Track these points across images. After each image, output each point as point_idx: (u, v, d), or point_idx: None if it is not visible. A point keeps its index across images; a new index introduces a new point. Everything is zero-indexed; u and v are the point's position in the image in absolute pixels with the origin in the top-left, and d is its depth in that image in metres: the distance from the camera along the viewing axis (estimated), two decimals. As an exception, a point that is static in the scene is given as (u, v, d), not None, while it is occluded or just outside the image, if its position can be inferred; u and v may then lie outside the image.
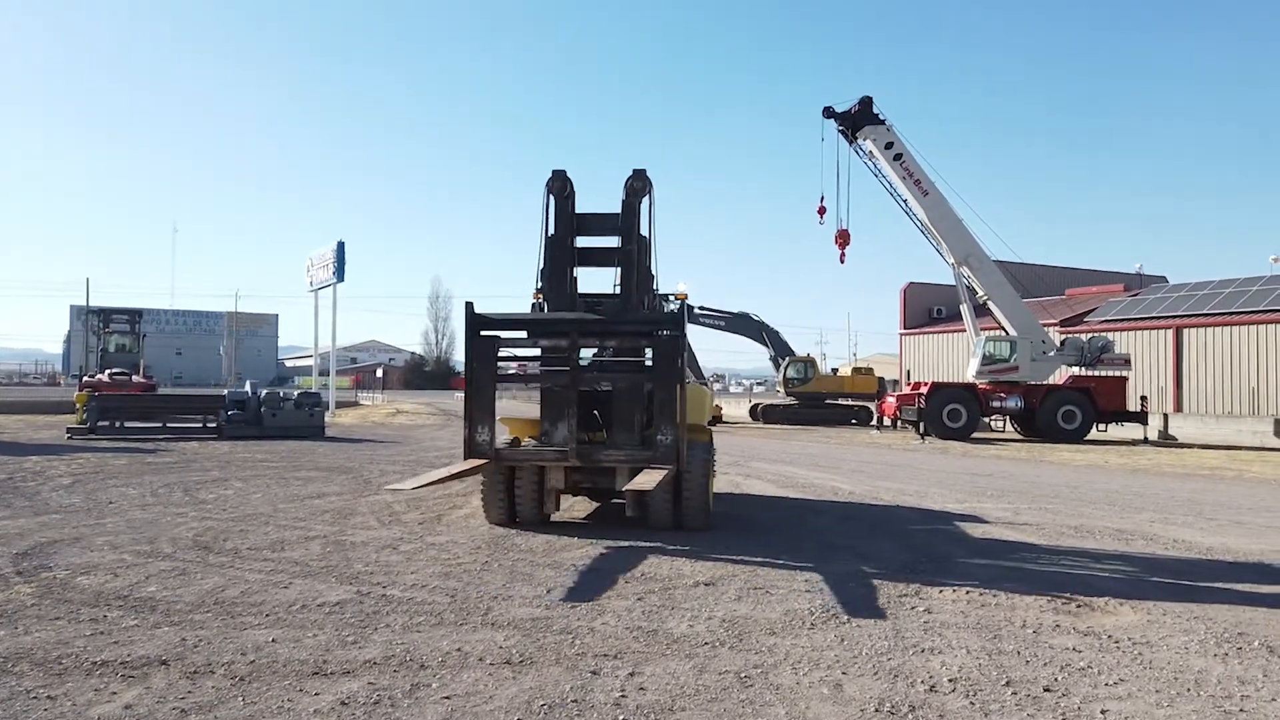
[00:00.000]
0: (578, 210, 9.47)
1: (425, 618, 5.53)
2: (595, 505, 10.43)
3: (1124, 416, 27.95)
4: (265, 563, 7.13)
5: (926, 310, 47.50)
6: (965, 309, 29.50)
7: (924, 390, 28.04)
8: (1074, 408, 27.49)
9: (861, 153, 28.52)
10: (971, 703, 4.32)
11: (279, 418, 22.74)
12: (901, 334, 47.61)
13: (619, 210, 9.36)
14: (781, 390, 38.83)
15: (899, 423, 30.64)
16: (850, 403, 36.91)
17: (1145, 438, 27.48)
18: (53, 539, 7.99)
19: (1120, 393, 28.30)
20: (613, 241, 9.50)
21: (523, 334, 9.24)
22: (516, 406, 10.99)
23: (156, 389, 35.42)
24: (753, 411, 38.74)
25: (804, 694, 4.38)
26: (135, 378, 34.16)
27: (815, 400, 36.95)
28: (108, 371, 34.34)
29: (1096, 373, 28.78)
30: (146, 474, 13.54)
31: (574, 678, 4.48)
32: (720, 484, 13.54)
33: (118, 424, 22.10)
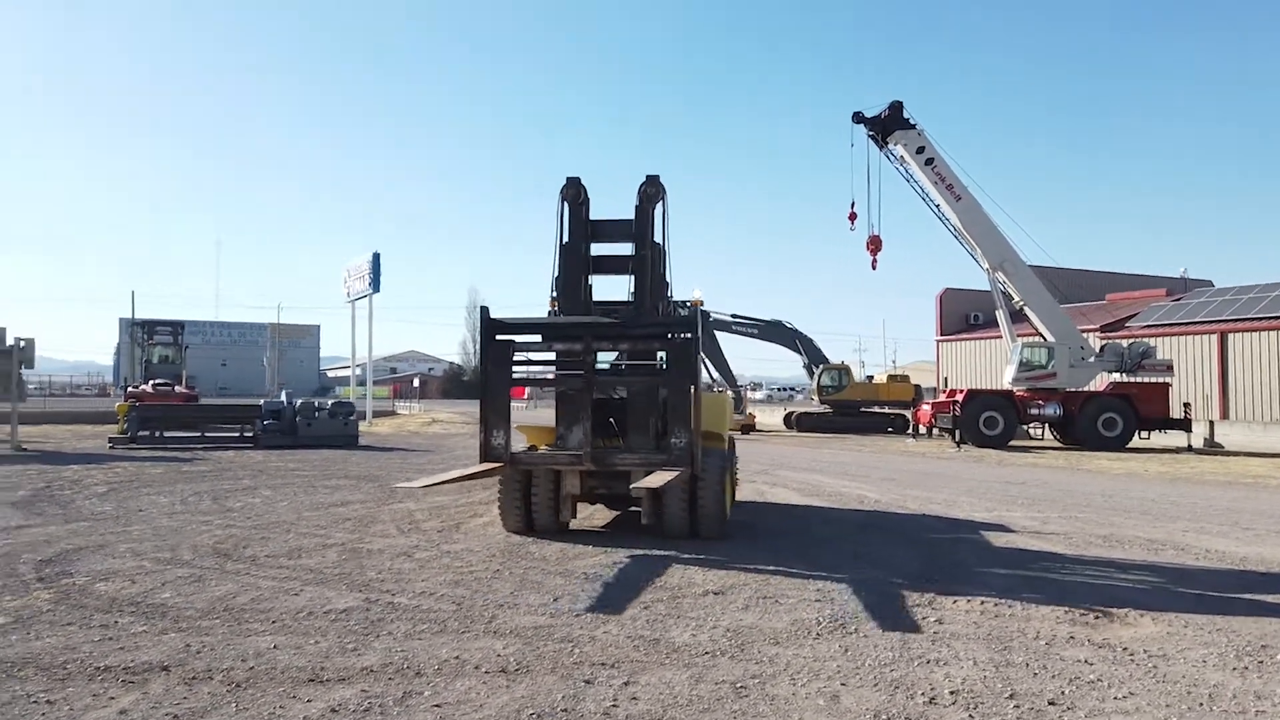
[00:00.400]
0: (592, 217, 9.50)
1: (429, 625, 5.55)
2: (614, 514, 10.41)
3: (1167, 424, 27.34)
4: (280, 570, 7.20)
5: (963, 316, 46.94)
6: (1001, 315, 29.07)
7: (959, 397, 27.67)
8: (1114, 415, 26.93)
9: (892, 158, 28.29)
10: (971, 715, 4.23)
11: (314, 427, 23.05)
12: (938, 340, 47.06)
13: (633, 216, 9.38)
14: (815, 398, 38.55)
15: (935, 431, 30.28)
16: (886, 410, 36.54)
17: (1189, 445, 26.88)
18: (79, 546, 8.15)
19: (1163, 399, 27.69)
20: (627, 248, 9.51)
21: (537, 338, 9.24)
22: (534, 415, 11.01)
23: (198, 399, 36.04)
24: (787, 419, 38.50)
25: (799, 705, 4.32)
26: (178, 388, 34.76)
27: (850, 408, 36.61)
28: (151, 382, 34.98)
29: (1138, 379, 28.21)
30: (179, 482, 13.77)
31: (567, 687, 4.46)
32: (744, 492, 13.47)
33: (157, 433, 22.50)
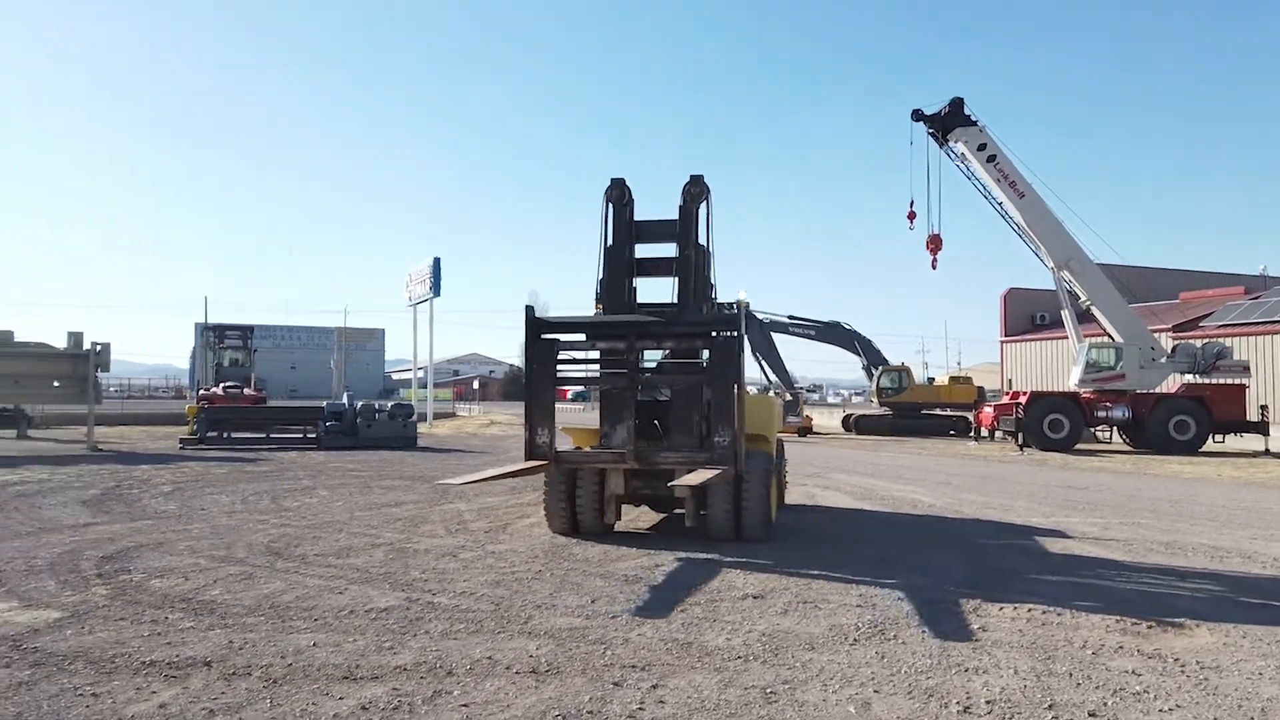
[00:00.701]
0: (637, 218, 9.51)
1: (465, 625, 5.61)
2: (660, 517, 10.40)
3: (1243, 427, 26.35)
4: (328, 568, 7.35)
5: (1029, 317, 45.88)
6: (1067, 315, 28.33)
7: (1023, 399, 27.04)
8: (1187, 417, 26.05)
9: (953, 155, 27.76)
10: (1005, 726, 4.13)
11: (373, 429, 23.46)
12: (1002, 341, 46.05)
13: (677, 217, 9.36)
14: (875, 400, 38.03)
15: (998, 434, 29.65)
16: (948, 413, 35.86)
17: (1267, 449, 25.86)
18: (140, 543, 8.42)
19: (1238, 401, 26.69)
20: (670, 251, 9.49)
21: (581, 337, 9.26)
22: (581, 418, 11.04)
23: (266, 401, 37.05)
24: (845, 422, 38.05)
25: (828, 712, 4.26)
26: (247, 390, 35.73)
27: (910, 410, 36.02)
28: (222, 385, 36.04)
29: (1212, 380, 27.26)
30: (242, 482, 14.14)
31: (596, 689, 4.47)
32: (795, 495, 13.36)
33: (225, 434, 23.15)
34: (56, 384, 21.59)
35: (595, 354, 9.30)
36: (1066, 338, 30.67)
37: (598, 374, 9.47)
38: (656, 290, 9.84)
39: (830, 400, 79.77)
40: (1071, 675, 4.87)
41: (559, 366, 9.06)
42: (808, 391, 78.56)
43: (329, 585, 6.70)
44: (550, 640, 5.32)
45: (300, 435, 23.72)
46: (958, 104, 27.45)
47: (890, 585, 7.10)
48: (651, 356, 9.93)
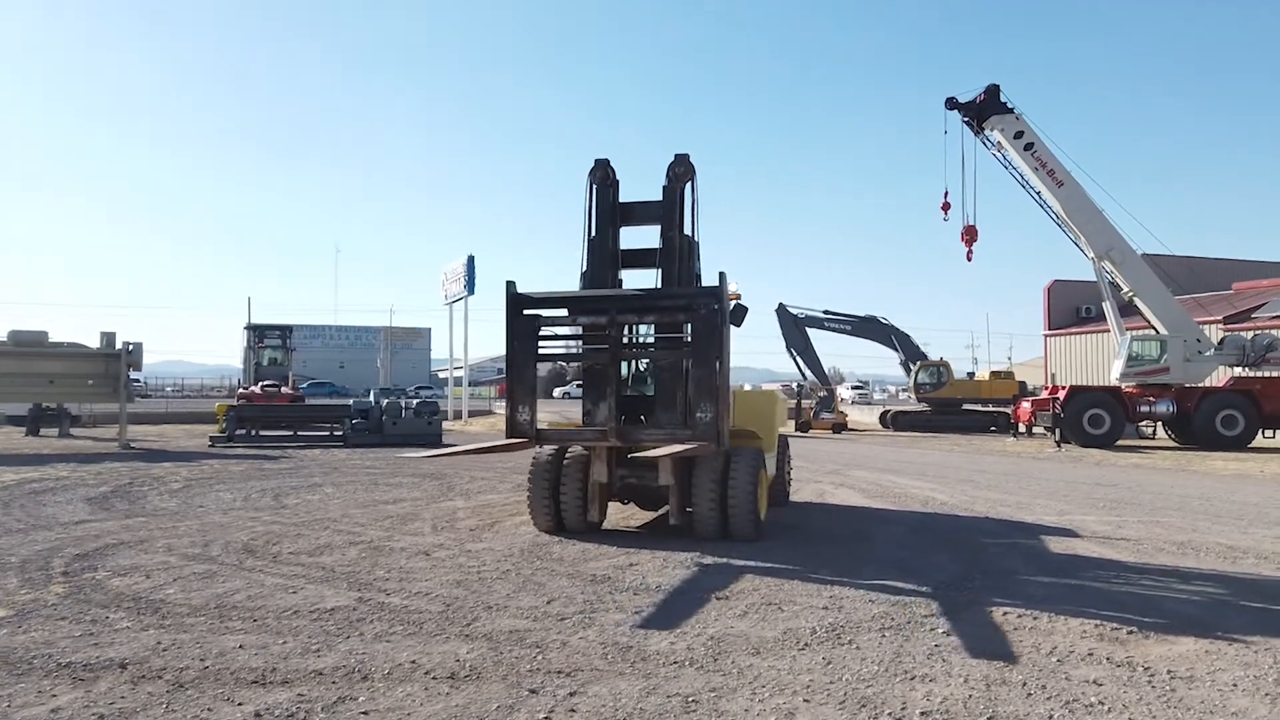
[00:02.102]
0: (621, 200, 9.30)
1: (405, 627, 5.46)
2: (651, 517, 10.17)
3: (1294, 421, 25.33)
4: (296, 567, 7.26)
5: (1073, 309, 44.63)
6: (1108, 307, 27.47)
7: (1060, 394, 26.27)
8: (1234, 412, 25.10)
9: (989, 144, 27.06)
10: (933, 740, 3.86)
11: (399, 426, 23.55)
12: (1045, 335, 44.84)
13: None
14: (913, 396, 37.32)
15: (1036, 430, 28.89)
16: (990, 409, 35.00)
17: (1319, 444, 24.82)
18: (122, 541, 8.43)
19: (1291, 395, 25.64)
20: (657, 237, 9.24)
21: (564, 312, 8.99)
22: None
23: (304, 400, 37.53)
24: (883, 418, 37.40)
25: (747, 722, 4.02)
26: (284, 389, 36.25)
27: (949, 406, 35.27)
28: (260, 383, 36.60)
29: (1262, 374, 26.22)
30: (253, 479, 14.21)
31: (508, 695, 4.28)
32: (805, 493, 13.07)
33: (253, 432, 23.43)
34: (90, 383, 22.00)
35: (578, 331, 9.07)
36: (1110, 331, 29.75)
37: (580, 350, 9.23)
38: (643, 283, 9.62)
39: (877, 397, 78.55)
40: (1025, 685, 4.57)
41: (541, 344, 8.87)
42: (854, 389, 77.55)
43: (287, 584, 6.61)
44: (485, 643, 5.14)
45: (328, 433, 23.91)
46: (993, 91, 26.76)
47: (867, 586, 6.82)
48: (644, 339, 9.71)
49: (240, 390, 35.87)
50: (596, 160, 9.33)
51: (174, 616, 5.66)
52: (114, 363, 21.76)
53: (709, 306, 8.33)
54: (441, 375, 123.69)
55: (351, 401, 26.21)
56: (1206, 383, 26.90)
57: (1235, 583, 7.24)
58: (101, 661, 4.70)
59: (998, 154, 27.12)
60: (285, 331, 40.89)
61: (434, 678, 4.53)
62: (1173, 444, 26.73)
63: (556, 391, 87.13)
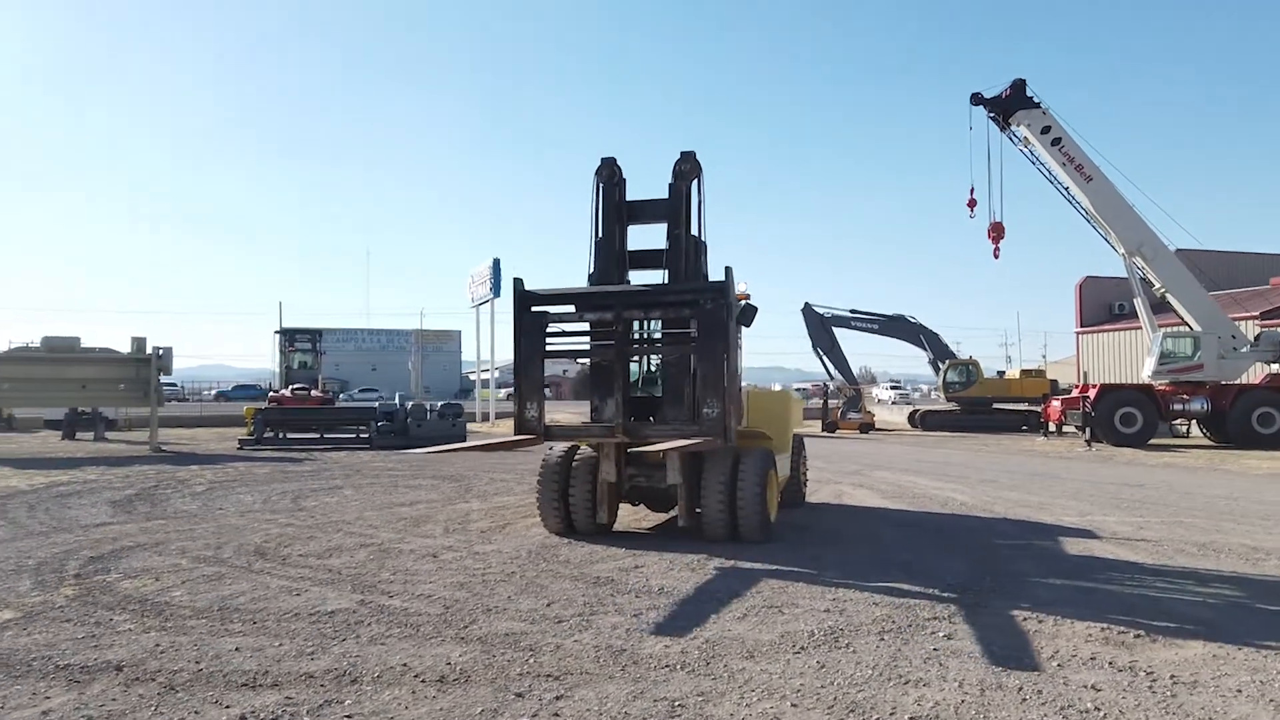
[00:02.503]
0: (628, 198, 9.29)
1: (401, 629, 5.48)
2: (663, 519, 10.13)
3: (1334, 419, 24.73)
4: (303, 569, 7.32)
5: (1106, 306, 43.93)
6: (1140, 303, 27.01)
7: (1091, 393, 25.87)
8: (1271, 410, 24.61)
9: (1016, 140, 26.73)
10: (919, 746, 3.80)
11: (423, 428, 23.72)
12: (1078, 332, 44.14)
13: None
14: (941, 395, 36.91)
15: (1064, 429, 28.49)
16: (1021, 408, 34.52)
17: (1360, 442, 24.21)
18: (139, 544, 8.54)
19: (1329, 392, 25.05)
20: (664, 245, 9.21)
21: (571, 309, 8.96)
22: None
23: (334, 402, 37.92)
24: (912, 418, 37.04)
25: (731, 727, 3.99)
26: (314, 392, 36.66)
27: (979, 405, 34.85)
28: (290, 387, 37.02)
29: (1300, 370, 25.66)
30: (275, 482, 14.36)
31: (494, 699, 4.28)
32: (823, 494, 12.97)
33: (280, 435, 23.70)
34: (121, 387, 22.37)
35: (585, 328, 9.05)
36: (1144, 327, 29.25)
37: (587, 347, 9.22)
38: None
39: (915, 396, 77.74)
40: (1021, 690, 4.49)
41: (548, 340, 8.87)
42: (893, 388, 76.75)
43: (292, 587, 6.66)
44: (479, 646, 5.15)
45: (354, 436, 24.12)
46: (1019, 85, 26.43)
47: (872, 589, 6.75)
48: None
49: (270, 393, 36.28)
50: (603, 159, 9.31)
51: (176, 619, 5.72)
52: (144, 367, 22.11)
53: (715, 301, 8.28)
54: (472, 377, 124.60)
55: (377, 404, 26.42)
56: (1242, 380, 26.35)
57: (1254, 585, 7.08)
58: (98, 664, 4.77)
59: (1025, 150, 26.77)
60: (315, 335, 41.40)
61: (423, 681, 4.54)
62: (1208, 443, 26.24)
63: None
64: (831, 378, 36.05)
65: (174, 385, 71.84)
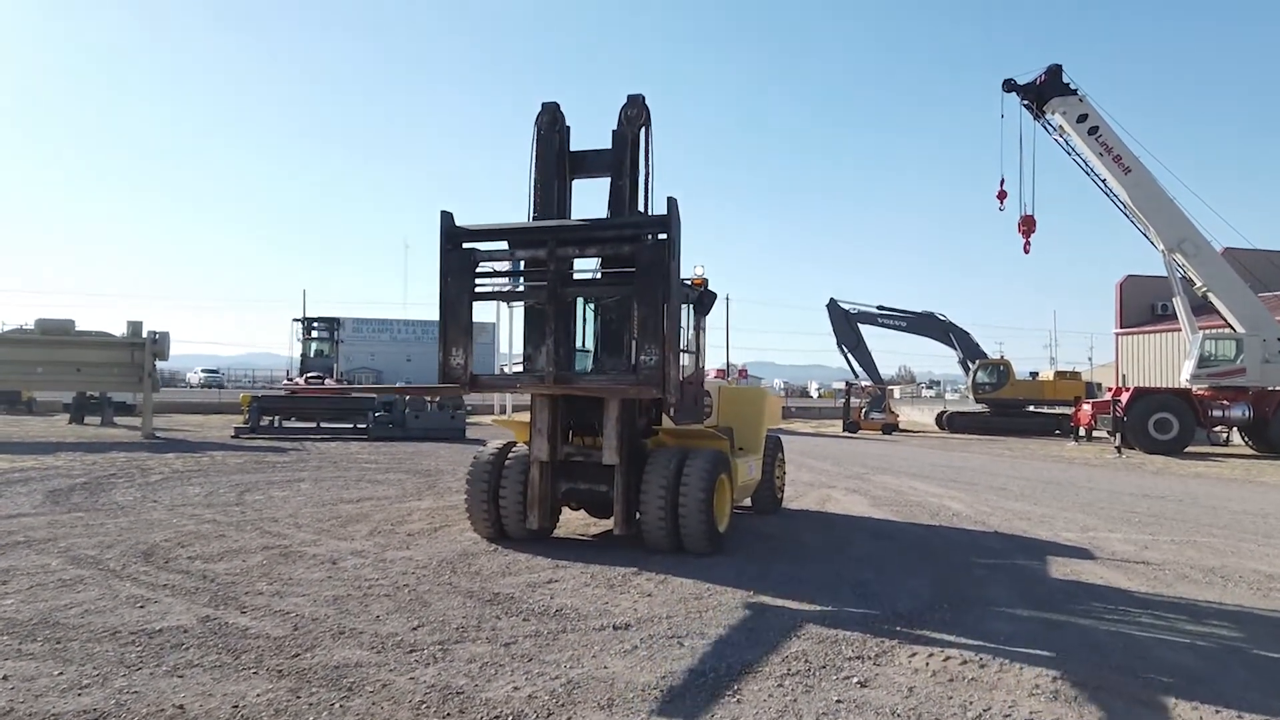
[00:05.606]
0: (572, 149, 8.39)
1: (217, 657, 4.69)
2: (609, 527, 9.26)
3: (1386, 428, 23.16)
4: (176, 575, 6.59)
5: (1149, 306, 42.05)
6: (1180, 303, 25.56)
7: (1123, 397, 24.49)
8: (1318, 418, 23.07)
9: (1050, 128, 25.42)
10: None
11: (421, 420, 23.07)
12: (1117, 334, 42.32)
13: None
14: (971, 396, 35.55)
15: (1095, 434, 27.13)
16: (1054, 411, 33.05)
17: None
18: (30, 539, 7.88)
19: (1381, 400, 23.46)
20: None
21: (503, 245, 8.08)
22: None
23: (350, 392, 37.52)
24: (939, 419, 35.73)
25: (523, 811, 3.14)
26: (329, 380, 36.27)
27: (1010, 407, 33.47)
28: (305, 375, 36.69)
29: (1350, 376, 24.04)
30: (240, 473, 13.73)
31: (251, 758, 3.47)
32: (808, 500, 12.06)
33: (275, 423, 23.22)
34: (116, 371, 22.01)
35: (515, 267, 8.16)
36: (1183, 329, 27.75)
37: (518, 287, 8.32)
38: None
39: (950, 396, 75.84)
40: (921, 765, 3.58)
41: (478, 281, 7.99)
42: (928, 388, 75.09)
43: (144, 597, 5.91)
44: (290, 682, 4.34)
45: (352, 426, 23.55)
46: (1055, 71, 25.08)
47: (806, 614, 5.85)
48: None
49: (286, 381, 36.00)
50: (544, 104, 8.35)
51: (-23, 634, 4.99)
52: (139, 351, 21.72)
53: (657, 237, 7.36)
54: (508, 369, 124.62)
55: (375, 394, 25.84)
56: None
57: (1257, 623, 6.06)
58: None
59: (1059, 139, 25.47)
60: (333, 324, 40.88)
61: (187, 729, 3.74)
62: (1249, 452, 24.75)
63: None
64: (855, 375, 34.87)
65: (215, 372, 72.04)
